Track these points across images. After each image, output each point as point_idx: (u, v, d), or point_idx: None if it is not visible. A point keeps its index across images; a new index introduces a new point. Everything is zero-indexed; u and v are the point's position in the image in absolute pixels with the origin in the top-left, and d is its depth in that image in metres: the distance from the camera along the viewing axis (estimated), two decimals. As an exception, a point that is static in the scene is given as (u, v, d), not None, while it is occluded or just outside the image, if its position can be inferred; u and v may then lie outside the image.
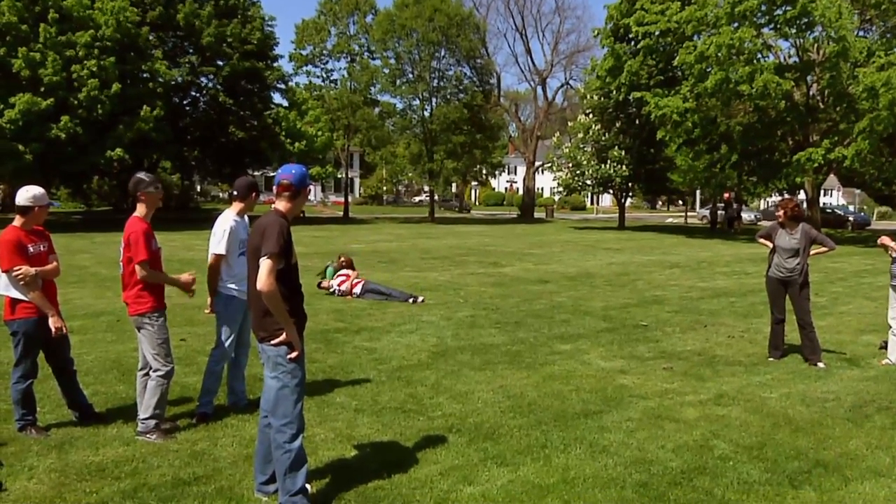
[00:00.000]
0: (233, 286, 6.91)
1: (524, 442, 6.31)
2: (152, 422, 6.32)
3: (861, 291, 16.87)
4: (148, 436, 6.27)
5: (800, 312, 9.69)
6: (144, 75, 41.54)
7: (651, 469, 5.74)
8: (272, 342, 4.93)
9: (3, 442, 6.17)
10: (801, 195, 43.44)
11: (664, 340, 10.96)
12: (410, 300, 14.12)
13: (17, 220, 6.39)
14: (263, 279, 4.77)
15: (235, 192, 7.15)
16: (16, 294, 6.32)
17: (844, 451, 6.24)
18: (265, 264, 4.77)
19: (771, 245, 9.96)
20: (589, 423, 6.88)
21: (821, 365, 9.40)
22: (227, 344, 7.02)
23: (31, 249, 6.34)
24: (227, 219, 6.96)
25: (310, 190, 5.28)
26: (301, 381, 5.04)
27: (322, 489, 5.29)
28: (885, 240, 9.72)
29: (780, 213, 9.81)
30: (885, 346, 10.02)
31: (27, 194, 6.36)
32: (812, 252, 9.81)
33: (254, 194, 7.13)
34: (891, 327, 9.73)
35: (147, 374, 6.49)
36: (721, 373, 9.01)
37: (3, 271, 6.28)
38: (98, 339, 10.33)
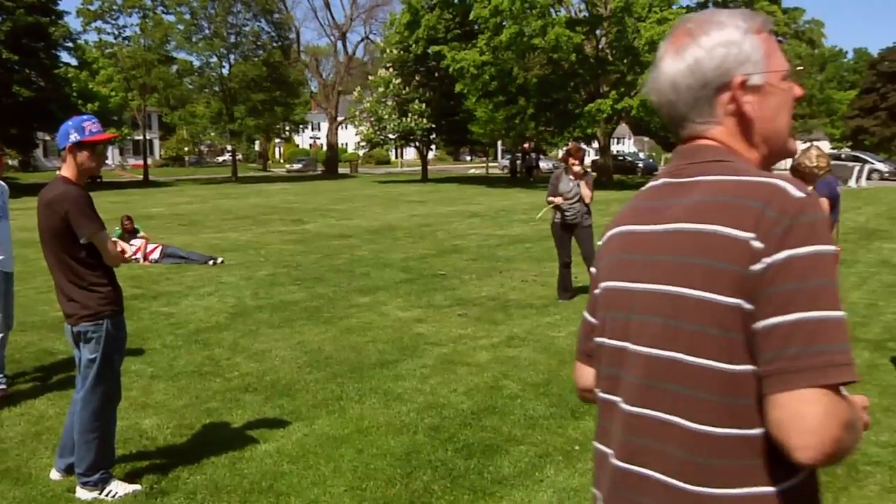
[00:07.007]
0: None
1: (320, 396, 6.39)
2: None
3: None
4: None
5: (586, 252, 10.13)
6: None
7: (443, 412, 5.96)
8: (88, 322, 4.55)
9: None
10: (594, 144, 45.32)
11: (461, 288, 11.27)
12: (210, 262, 13.85)
13: None
14: (107, 256, 4.54)
15: None
16: None
17: (622, 381, 6.61)
18: (100, 246, 4.51)
19: (562, 200, 10.25)
20: (384, 372, 7.03)
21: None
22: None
23: None
24: None
25: (92, 140, 4.54)
26: (123, 354, 4.80)
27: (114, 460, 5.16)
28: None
29: (575, 161, 10.17)
30: None
31: None
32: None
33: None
34: None
35: None
36: (513, 316, 9.40)
37: None
38: None
